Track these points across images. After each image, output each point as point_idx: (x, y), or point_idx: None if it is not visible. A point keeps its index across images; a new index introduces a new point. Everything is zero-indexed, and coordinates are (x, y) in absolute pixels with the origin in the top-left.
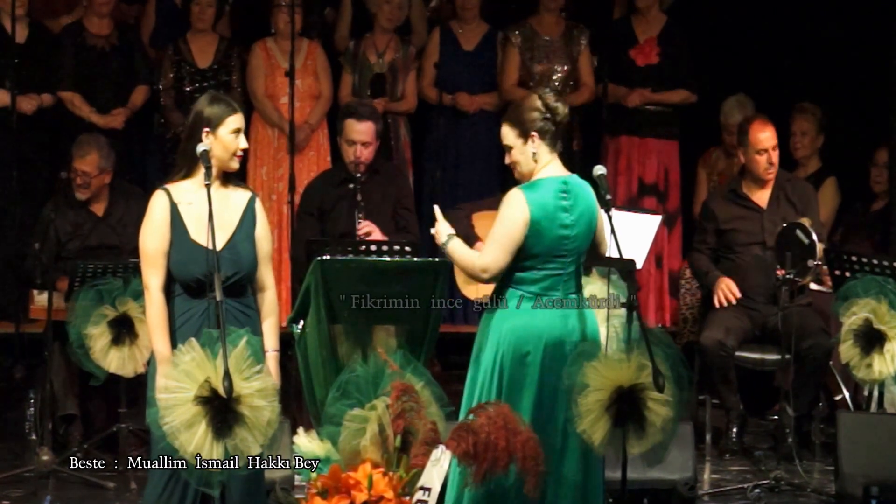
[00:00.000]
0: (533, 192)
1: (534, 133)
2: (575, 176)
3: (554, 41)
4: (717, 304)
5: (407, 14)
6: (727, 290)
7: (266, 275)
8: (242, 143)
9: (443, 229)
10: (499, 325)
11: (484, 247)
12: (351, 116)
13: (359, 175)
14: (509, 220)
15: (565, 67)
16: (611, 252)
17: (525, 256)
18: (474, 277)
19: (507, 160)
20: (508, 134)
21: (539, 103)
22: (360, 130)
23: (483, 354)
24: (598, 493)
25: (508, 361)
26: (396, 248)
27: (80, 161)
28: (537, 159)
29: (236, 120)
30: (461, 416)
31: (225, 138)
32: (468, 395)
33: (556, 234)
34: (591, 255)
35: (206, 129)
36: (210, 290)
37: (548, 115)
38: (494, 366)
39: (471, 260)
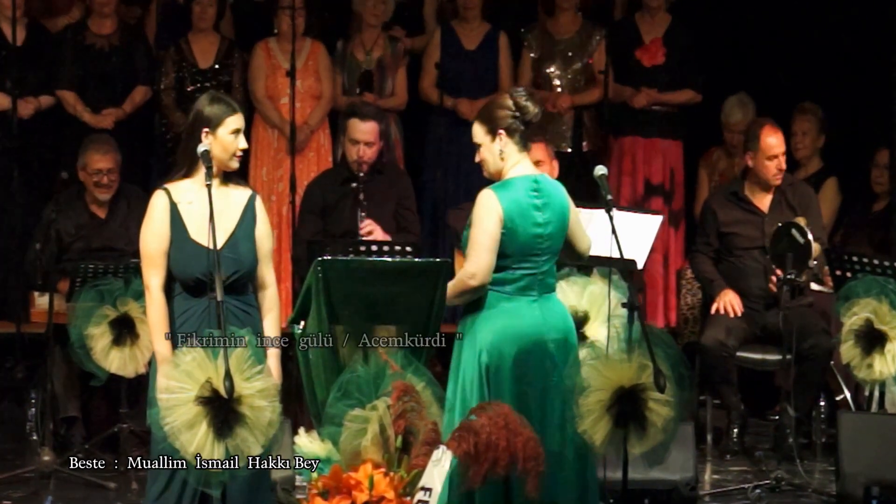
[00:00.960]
0: (504, 190)
1: (501, 131)
2: (545, 175)
3: (568, 40)
4: (713, 312)
5: (393, 9)
6: (729, 305)
7: (267, 272)
8: (242, 143)
9: None
10: (478, 328)
11: (466, 255)
12: (354, 116)
13: (361, 175)
14: (484, 220)
15: (578, 66)
16: (611, 252)
17: (500, 256)
18: (467, 291)
19: (476, 158)
20: (478, 131)
21: (509, 102)
22: (364, 130)
23: (462, 360)
24: (595, 489)
25: (494, 362)
26: (398, 248)
27: (102, 159)
28: (504, 157)
29: (236, 120)
30: (445, 419)
31: (224, 139)
32: (449, 402)
33: (529, 232)
34: (567, 254)
35: (206, 130)
36: (210, 290)
37: (517, 114)
38: (480, 369)
39: (458, 276)
